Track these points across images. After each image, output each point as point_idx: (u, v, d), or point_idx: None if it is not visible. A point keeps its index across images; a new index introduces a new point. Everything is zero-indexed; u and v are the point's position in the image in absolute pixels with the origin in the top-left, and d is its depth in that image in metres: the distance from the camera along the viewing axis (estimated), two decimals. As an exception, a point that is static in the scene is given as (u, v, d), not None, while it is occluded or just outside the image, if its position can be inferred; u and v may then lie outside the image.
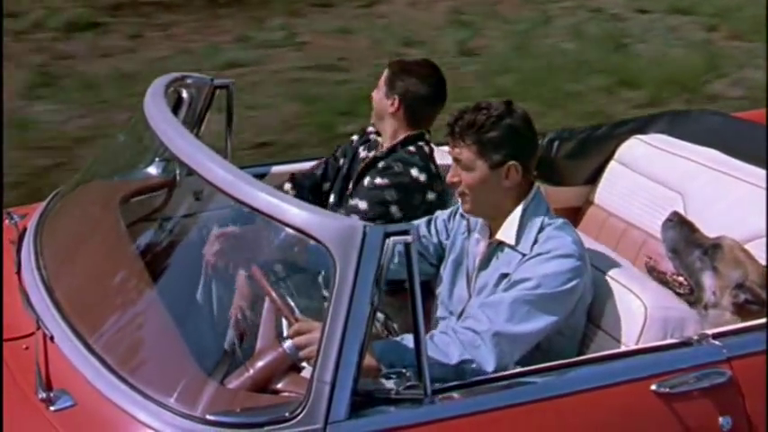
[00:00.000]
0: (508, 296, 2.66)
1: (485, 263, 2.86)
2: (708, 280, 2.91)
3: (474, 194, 2.82)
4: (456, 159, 2.83)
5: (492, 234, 2.88)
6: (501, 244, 2.82)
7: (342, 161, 3.68)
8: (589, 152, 3.98)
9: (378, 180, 3.38)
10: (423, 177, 3.40)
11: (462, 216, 3.02)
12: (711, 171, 3.62)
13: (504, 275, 2.75)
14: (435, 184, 3.43)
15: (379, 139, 3.60)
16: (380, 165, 3.44)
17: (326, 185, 3.66)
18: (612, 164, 3.97)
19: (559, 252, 2.70)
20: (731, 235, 3.13)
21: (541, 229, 2.77)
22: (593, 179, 3.99)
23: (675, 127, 3.97)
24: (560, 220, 2.82)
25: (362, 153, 3.63)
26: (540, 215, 2.80)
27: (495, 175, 2.78)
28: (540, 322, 2.63)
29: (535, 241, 2.75)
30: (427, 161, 3.46)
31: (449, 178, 2.87)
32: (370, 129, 3.71)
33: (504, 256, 2.80)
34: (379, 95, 3.52)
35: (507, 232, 2.80)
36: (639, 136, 3.97)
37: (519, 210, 2.80)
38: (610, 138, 4.00)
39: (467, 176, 2.81)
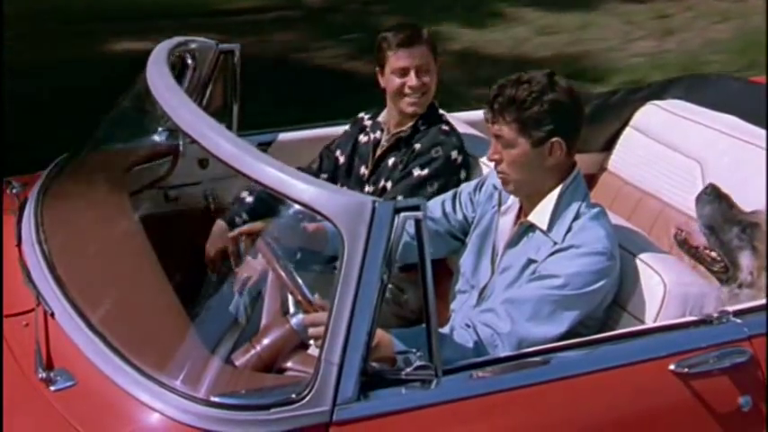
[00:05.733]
0: (533, 294, 2.58)
1: (513, 242, 2.77)
2: (746, 260, 2.84)
3: (516, 174, 2.68)
4: (496, 136, 2.69)
5: (523, 211, 2.78)
6: (532, 226, 2.72)
7: (338, 152, 3.56)
8: (605, 118, 3.91)
9: (417, 171, 3.27)
10: (460, 158, 3.32)
11: (495, 187, 2.91)
12: (730, 138, 3.54)
13: (532, 261, 2.66)
14: (467, 161, 3.36)
15: (381, 119, 3.48)
16: (416, 147, 3.31)
17: (324, 176, 3.50)
18: (628, 130, 3.89)
19: (591, 249, 2.60)
20: (750, 205, 3.05)
21: (577, 216, 2.67)
22: (609, 146, 3.91)
23: (693, 93, 3.89)
24: (596, 209, 2.72)
25: (363, 138, 3.51)
26: (577, 200, 2.69)
27: (538, 153, 2.65)
28: (562, 325, 2.56)
29: (569, 230, 2.65)
30: (461, 137, 3.38)
31: (490, 155, 2.73)
32: (362, 114, 3.60)
33: (533, 240, 2.71)
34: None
35: (541, 216, 2.70)
36: (656, 102, 3.89)
37: (556, 192, 2.69)
38: (626, 103, 3.93)
39: (508, 154, 2.66)
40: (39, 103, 6.25)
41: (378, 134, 3.46)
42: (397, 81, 3.32)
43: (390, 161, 3.37)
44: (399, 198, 3.20)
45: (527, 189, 2.73)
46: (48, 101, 6.39)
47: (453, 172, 3.31)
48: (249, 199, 3.33)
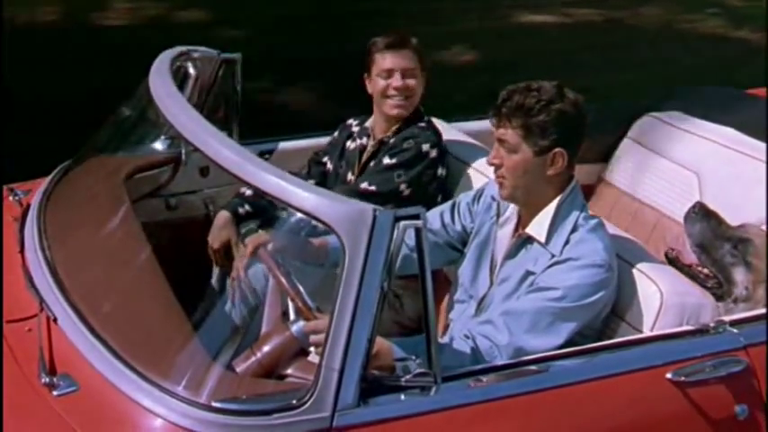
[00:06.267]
0: (531, 306, 2.58)
1: (511, 254, 2.77)
2: (740, 275, 2.84)
3: (514, 179, 2.69)
4: (500, 140, 2.70)
5: (521, 223, 2.79)
6: (530, 238, 2.72)
7: (325, 159, 3.58)
8: (603, 129, 3.91)
9: (386, 160, 3.30)
10: (434, 153, 3.32)
11: (493, 198, 2.91)
12: (728, 150, 3.55)
13: (530, 273, 2.67)
14: (443, 158, 3.37)
15: (368, 125, 3.50)
16: (391, 142, 3.36)
17: (311, 183, 3.48)
18: (626, 141, 3.91)
19: (589, 261, 2.60)
20: (747, 217, 3.07)
21: (575, 229, 2.67)
22: (607, 156, 3.93)
23: (691, 104, 3.90)
24: (594, 221, 2.72)
25: (351, 144, 3.53)
26: (574, 212, 2.70)
27: (539, 162, 2.67)
28: (560, 336, 2.57)
29: (567, 242, 2.65)
30: (438, 135, 3.39)
31: (490, 159, 2.74)
32: (351, 121, 3.61)
33: (532, 251, 2.71)
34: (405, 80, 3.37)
35: (538, 228, 2.70)
36: (654, 113, 3.90)
37: (554, 204, 2.70)
38: (624, 114, 3.94)
39: (509, 159, 2.68)
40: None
41: (364, 140, 3.48)
42: (382, 83, 3.36)
43: (372, 164, 3.38)
44: (364, 185, 3.25)
45: (523, 197, 2.74)
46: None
47: (427, 166, 3.31)
48: (249, 192, 3.35)
